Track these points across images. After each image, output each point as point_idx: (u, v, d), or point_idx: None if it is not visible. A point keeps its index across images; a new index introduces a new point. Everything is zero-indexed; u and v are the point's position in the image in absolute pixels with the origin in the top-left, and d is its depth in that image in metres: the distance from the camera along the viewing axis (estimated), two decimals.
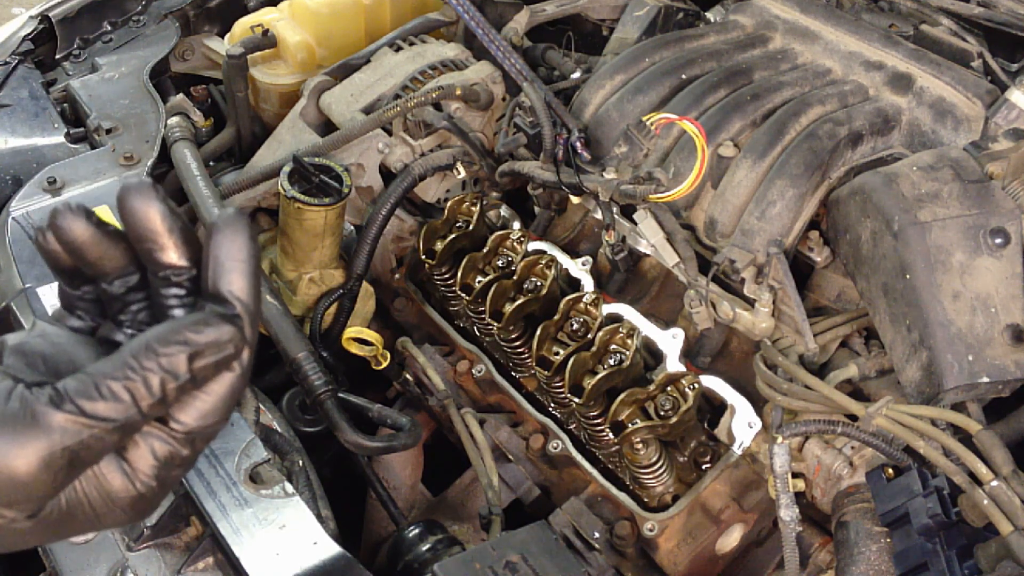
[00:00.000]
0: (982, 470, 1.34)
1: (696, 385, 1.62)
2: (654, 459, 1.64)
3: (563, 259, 1.93)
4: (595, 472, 1.74)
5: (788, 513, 1.50)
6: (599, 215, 1.89)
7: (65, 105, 2.22)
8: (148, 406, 0.61)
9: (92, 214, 0.67)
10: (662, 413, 1.61)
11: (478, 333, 1.98)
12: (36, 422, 0.58)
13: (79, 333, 0.71)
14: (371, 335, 1.95)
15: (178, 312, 0.68)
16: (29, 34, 2.33)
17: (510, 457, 1.83)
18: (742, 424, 1.67)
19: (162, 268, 0.67)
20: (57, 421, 0.59)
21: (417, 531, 1.62)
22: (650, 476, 1.66)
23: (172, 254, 0.67)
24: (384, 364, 1.97)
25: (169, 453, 0.65)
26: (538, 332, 1.72)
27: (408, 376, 1.98)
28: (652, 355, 1.80)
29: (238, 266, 0.66)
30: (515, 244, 1.90)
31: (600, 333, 1.69)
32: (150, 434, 0.64)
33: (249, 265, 0.66)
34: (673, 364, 1.75)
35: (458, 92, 2.05)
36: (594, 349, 1.68)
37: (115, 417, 0.60)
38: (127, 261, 0.69)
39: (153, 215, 0.65)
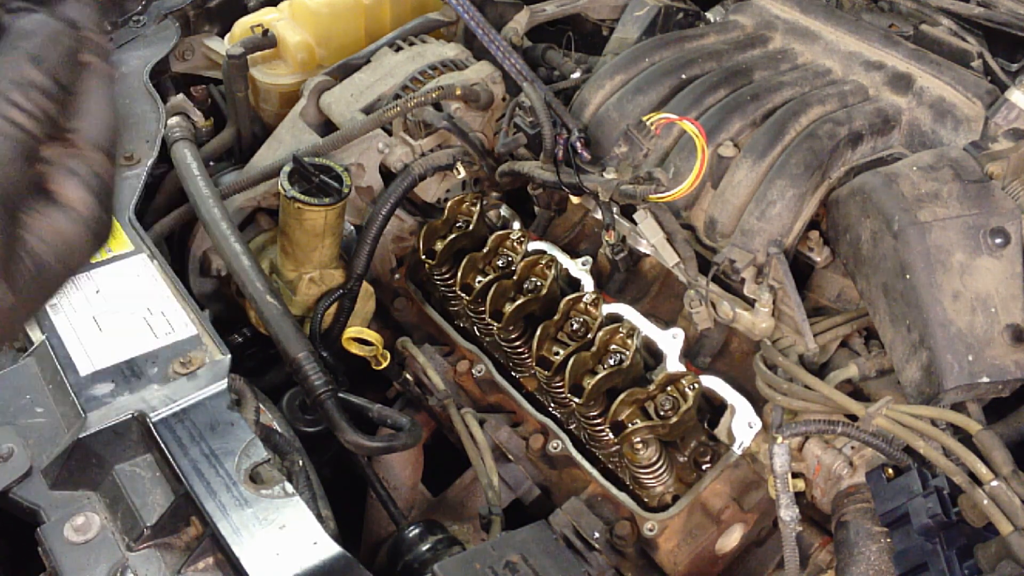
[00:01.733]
0: (982, 470, 1.34)
1: (696, 385, 1.62)
2: (654, 459, 1.64)
3: (563, 259, 1.92)
4: (595, 472, 1.74)
5: (788, 513, 1.50)
6: (599, 215, 1.89)
7: None
8: (32, 125, 0.63)
9: None
10: (662, 413, 1.61)
11: (478, 333, 1.98)
12: None
13: None
14: (371, 335, 1.95)
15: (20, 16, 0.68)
16: None
17: (510, 457, 1.83)
18: (742, 424, 1.67)
19: None
20: None
21: (417, 531, 1.63)
22: (650, 476, 1.66)
23: None
24: (384, 364, 1.97)
25: (87, 168, 0.67)
26: (538, 332, 1.72)
27: (408, 376, 1.98)
28: (652, 355, 1.80)
29: None
30: (515, 244, 1.90)
31: (600, 333, 1.69)
32: (59, 162, 0.66)
33: None
34: (673, 364, 1.75)
35: (458, 92, 2.05)
36: (594, 349, 1.68)
37: (7, 151, 0.62)
38: None
39: None
